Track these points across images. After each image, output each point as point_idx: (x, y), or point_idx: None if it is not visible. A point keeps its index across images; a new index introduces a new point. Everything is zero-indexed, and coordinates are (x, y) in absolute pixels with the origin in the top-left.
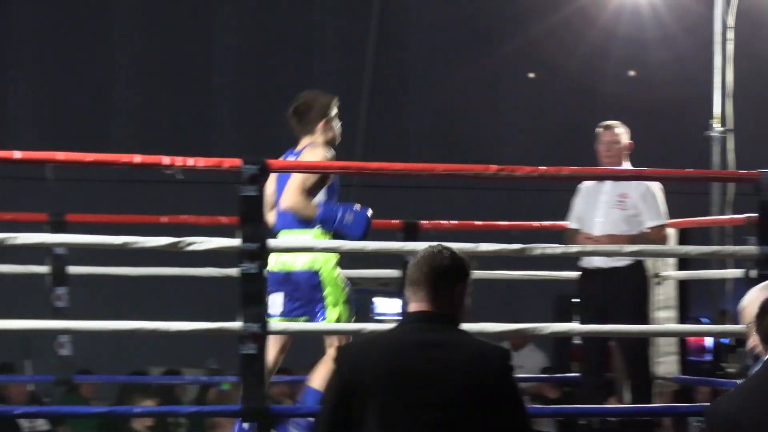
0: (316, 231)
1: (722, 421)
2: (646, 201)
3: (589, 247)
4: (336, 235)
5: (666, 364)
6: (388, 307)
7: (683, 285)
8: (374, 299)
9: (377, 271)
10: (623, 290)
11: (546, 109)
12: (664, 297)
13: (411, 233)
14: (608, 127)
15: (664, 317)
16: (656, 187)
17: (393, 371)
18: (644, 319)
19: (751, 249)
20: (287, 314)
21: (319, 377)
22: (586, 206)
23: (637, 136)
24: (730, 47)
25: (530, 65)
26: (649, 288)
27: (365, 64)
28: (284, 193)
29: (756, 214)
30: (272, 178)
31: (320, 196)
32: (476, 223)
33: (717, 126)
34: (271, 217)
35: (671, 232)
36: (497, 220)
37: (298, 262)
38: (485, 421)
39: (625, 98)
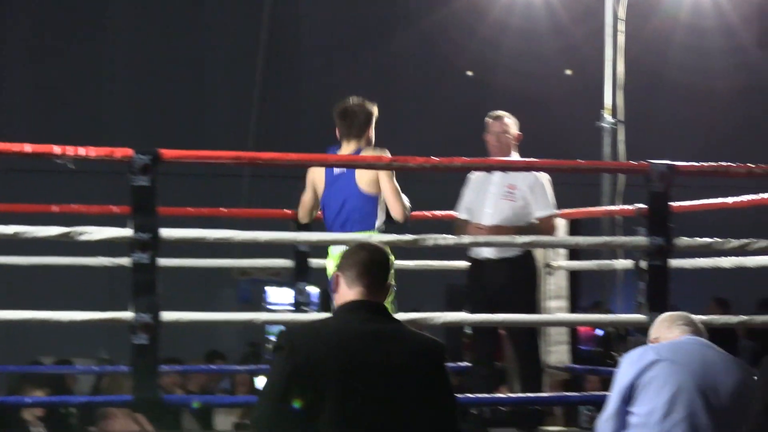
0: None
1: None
2: (535, 192)
3: (482, 238)
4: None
5: (556, 353)
6: (279, 296)
7: (574, 275)
8: (266, 288)
9: (269, 261)
10: (513, 280)
11: (438, 102)
12: (554, 287)
13: (303, 223)
14: (497, 118)
15: (555, 307)
16: (545, 178)
17: (350, 360)
18: (534, 308)
19: (640, 240)
20: None
21: None
22: (475, 197)
23: (528, 127)
24: (621, 39)
25: (422, 59)
26: (539, 278)
27: (257, 56)
28: (390, 203)
29: (646, 205)
30: (318, 180)
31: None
32: None
33: (608, 117)
34: (305, 217)
35: (562, 223)
36: None
37: (330, 268)
38: (426, 411)
39: (517, 89)
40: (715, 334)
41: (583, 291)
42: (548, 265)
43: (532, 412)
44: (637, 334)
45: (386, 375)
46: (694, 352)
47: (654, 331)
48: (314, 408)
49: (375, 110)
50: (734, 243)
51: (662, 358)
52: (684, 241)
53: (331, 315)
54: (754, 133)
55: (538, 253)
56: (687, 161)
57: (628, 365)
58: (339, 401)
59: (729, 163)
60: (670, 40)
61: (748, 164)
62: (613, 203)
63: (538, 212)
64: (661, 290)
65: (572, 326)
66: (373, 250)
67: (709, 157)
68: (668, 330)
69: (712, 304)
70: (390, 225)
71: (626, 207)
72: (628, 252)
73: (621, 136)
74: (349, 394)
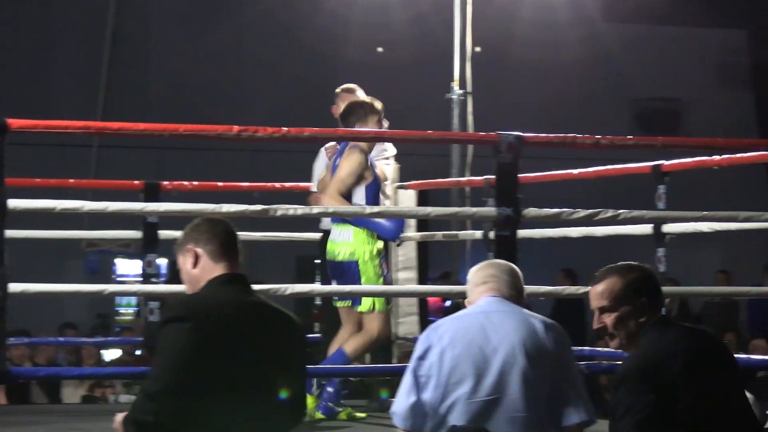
0: (358, 229)
1: None
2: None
3: (332, 209)
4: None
5: (406, 324)
6: (128, 268)
7: (423, 246)
8: (115, 260)
9: (118, 233)
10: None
11: (287, 73)
12: (404, 258)
13: (152, 194)
14: (346, 90)
15: (405, 278)
16: (392, 150)
17: (246, 331)
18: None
19: (489, 210)
20: (336, 300)
21: (353, 344)
22: (326, 169)
23: (378, 98)
24: (470, 11)
25: (270, 32)
26: (388, 249)
27: (106, 24)
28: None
29: (494, 176)
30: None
31: (359, 196)
32: (218, 184)
33: (457, 89)
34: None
35: (411, 194)
36: (239, 181)
37: (340, 253)
38: (290, 380)
39: (367, 62)
40: (562, 304)
41: (433, 262)
42: None
43: (381, 382)
44: None
45: (271, 344)
46: (475, 324)
47: (468, 293)
48: (213, 376)
49: (368, 110)
50: (582, 213)
51: (433, 344)
52: (532, 211)
53: (204, 288)
54: (601, 104)
55: None
56: (535, 133)
57: (413, 358)
58: (236, 372)
59: (576, 135)
60: (518, 12)
61: (596, 135)
62: (462, 174)
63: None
64: (509, 260)
65: (421, 297)
66: (226, 223)
67: (557, 129)
68: (472, 292)
69: (561, 274)
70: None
71: (475, 178)
72: (476, 223)
73: (470, 107)
74: (243, 364)
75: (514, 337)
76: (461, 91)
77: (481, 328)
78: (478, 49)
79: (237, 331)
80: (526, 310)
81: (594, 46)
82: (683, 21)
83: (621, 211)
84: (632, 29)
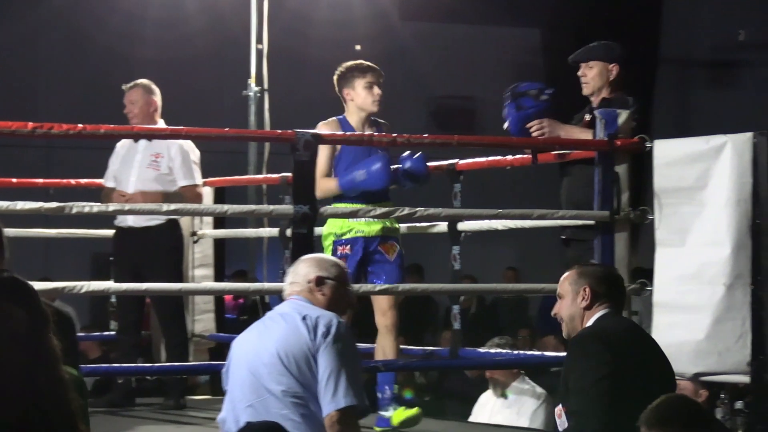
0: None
1: None
2: (178, 160)
3: (128, 206)
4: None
5: (203, 321)
6: None
7: (220, 243)
8: None
9: None
10: (157, 249)
11: (82, 72)
12: (200, 255)
13: None
14: (136, 86)
15: (201, 275)
16: (190, 146)
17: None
18: (179, 277)
19: (286, 208)
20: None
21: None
22: (121, 165)
23: (174, 96)
24: (266, 8)
25: (63, 32)
26: (184, 246)
27: None
28: None
29: (291, 174)
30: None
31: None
32: (13, 180)
33: (253, 86)
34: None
35: (208, 191)
36: (34, 178)
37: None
38: None
39: (164, 59)
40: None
41: (229, 259)
42: (194, 234)
43: (178, 380)
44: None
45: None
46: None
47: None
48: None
49: (348, 71)
50: (379, 211)
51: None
52: (329, 209)
53: None
54: (397, 102)
55: (184, 222)
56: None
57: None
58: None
59: (371, 133)
60: (314, 10)
61: (394, 134)
62: (259, 172)
63: (182, 181)
64: None
65: (217, 294)
66: None
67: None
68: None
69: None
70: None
71: (272, 176)
72: (273, 220)
73: (266, 105)
74: None
75: (267, 342)
76: (258, 89)
77: (257, 333)
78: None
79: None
80: (300, 305)
81: (390, 43)
82: (479, 19)
83: (418, 209)
84: (428, 27)
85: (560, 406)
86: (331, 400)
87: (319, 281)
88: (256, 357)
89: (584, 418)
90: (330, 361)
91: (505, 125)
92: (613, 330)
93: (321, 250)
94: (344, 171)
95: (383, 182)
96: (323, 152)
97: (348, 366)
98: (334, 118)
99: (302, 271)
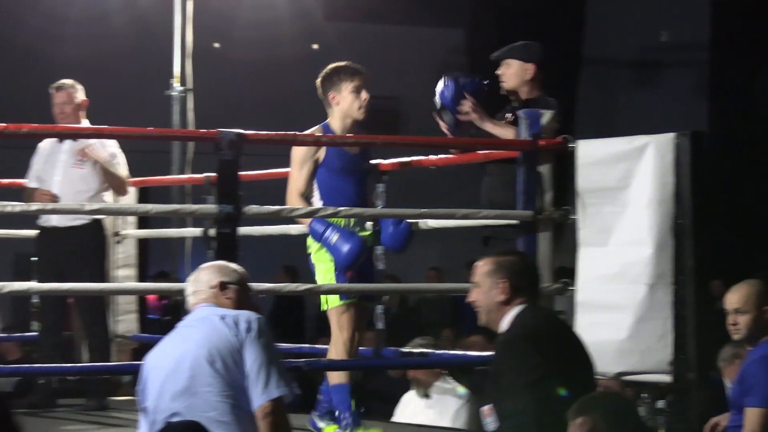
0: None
1: None
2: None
3: (51, 206)
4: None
5: (125, 322)
6: None
7: (143, 243)
8: None
9: None
10: (81, 249)
11: (3, 73)
12: (123, 255)
13: None
14: (60, 87)
15: (124, 275)
16: (114, 145)
17: None
18: (102, 277)
19: (210, 207)
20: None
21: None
22: (45, 165)
23: (97, 95)
24: (190, 7)
25: None
26: (108, 246)
27: None
28: None
29: (215, 174)
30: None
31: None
32: None
33: (177, 85)
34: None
35: (132, 191)
36: None
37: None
38: None
39: (87, 58)
40: (283, 301)
41: (152, 259)
42: (117, 233)
43: (100, 381)
44: None
45: None
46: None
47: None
48: None
49: (334, 75)
50: (302, 211)
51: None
52: (253, 208)
53: None
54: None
55: (107, 221)
56: (257, 130)
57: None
58: None
59: (296, 132)
60: (238, 9)
61: (316, 134)
62: (182, 172)
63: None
64: (229, 258)
65: (141, 294)
66: None
67: (282, 127)
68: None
69: (282, 271)
70: None
71: (196, 175)
72: (197, 220)
73: (190, 104)
74: None
75: (188, 347)
76: (181, 88)
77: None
78: (190, 43)
79: None
80: (213, 309)
81: (314, 43)
82: (403, 19)
83: (341, 208)
84: (352, 27)
85: (489, 405)
86: (263, 391)
87: (223, 286)
88: (178, 364)
89: (522, 419)
90: (257, 354)
91: (436, 97)
92: (539, 328)
93: (245, 250)
94: (328, 178)
95: (346, 261)
96: (301, 169)
97: (275, 358)
98: (319, 125)
99: (204, 278)
